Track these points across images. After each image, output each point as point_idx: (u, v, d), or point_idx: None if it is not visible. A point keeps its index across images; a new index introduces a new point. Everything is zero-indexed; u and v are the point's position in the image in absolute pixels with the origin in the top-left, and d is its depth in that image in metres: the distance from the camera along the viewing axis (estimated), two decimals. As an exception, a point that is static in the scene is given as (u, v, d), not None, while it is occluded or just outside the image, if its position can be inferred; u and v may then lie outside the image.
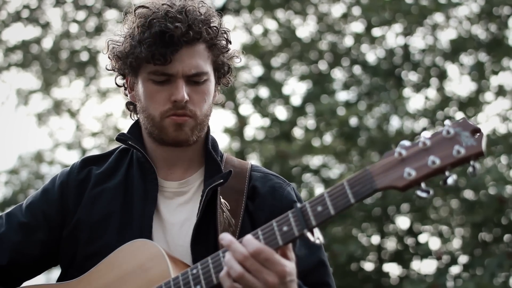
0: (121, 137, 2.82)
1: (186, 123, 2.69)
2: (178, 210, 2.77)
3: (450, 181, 2.10)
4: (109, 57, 2.81)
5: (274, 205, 2.75)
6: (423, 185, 2.15)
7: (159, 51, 2.63)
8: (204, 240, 2.68)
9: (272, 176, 2.86)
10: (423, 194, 2.14)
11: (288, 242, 2.33)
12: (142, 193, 2.76)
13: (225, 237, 2.35)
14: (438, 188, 8.64)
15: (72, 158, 12.69)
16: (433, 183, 2.18)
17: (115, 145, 2.95)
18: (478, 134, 2.08)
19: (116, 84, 2.89)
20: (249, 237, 2.33)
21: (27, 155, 13.03)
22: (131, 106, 2.88)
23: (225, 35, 2.78)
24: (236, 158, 2.93)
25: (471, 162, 2.08)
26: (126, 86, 2.85)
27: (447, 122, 2.12)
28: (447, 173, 2.11)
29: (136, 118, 2.89)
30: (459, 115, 10.70)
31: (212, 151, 2.81)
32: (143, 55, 2.64)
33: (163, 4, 2.70)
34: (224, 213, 2.70)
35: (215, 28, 2.72)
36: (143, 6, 2.71)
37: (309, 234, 2.30)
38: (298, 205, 2.32)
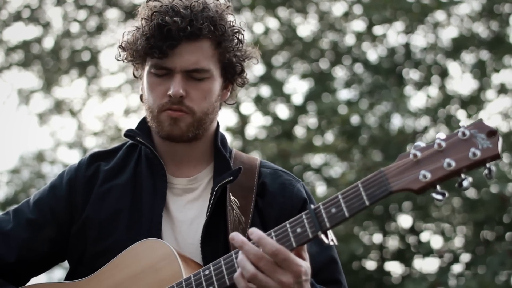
0: (129, 133, 2.80)
1: (182, 119, 2.67)
2: (188, 207, 2.75)
3: (465, 183, 2.10)
4: (118, 47, 2.80)
5: (284, 203, 2.75)
6: (438, 187, 2.14)
7: (156, 44, 2.62)
8: (214, 239, 2.67)
9: (282, 172, 2.85)
10: (439, 197, 2.13)
11: (301, 244, 2.32)
12: (151, 190, 2.75)
13: (236, 238, 2.33)
14: (441, 187, 8.64)
15: (74, 157, 12.68)
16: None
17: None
18: (494, 136, 2.07)
19: (134, 75, 2.86)
20: (264, 237, 2.31)
21: (29, 154, 13.02)
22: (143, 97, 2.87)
23: (236, 34, 2.75)
24: (245, 154, 2.91)
25: (487, 165, 2.07)
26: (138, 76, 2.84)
27: (462, 123, 2.11)
28: (462, 176, 2.10)
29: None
30: (461, 113, 10.70)
31: (221, 148, 2.80)
32: (141, 47, 2.65)
33: None
34: (234, 211, 2.69)
35: (222, 26, 2.69)
36: None
37: (323, 236, 2.29)
38: (312, 206, 2.31)
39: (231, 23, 2.74)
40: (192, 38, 2.64)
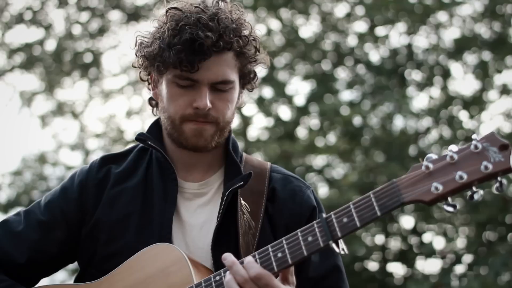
0: (140, 137, 2.81)
1: (207, 130, 2.69)
2: (198, 211, 2.77)
3: (476, 196, 2.11)
4: (136, 55, 2.78)
5: (293, 209, 2.76)
6: (449, 199, 2.16)
7: (187, 58, 2.60)
8: (225, 243, 2.68)
9: (292, 178, 2.86)
10: (449, 208, 2.15)
11: (312, 252, 2.36)
12: (162, 194, 2.76)
13: (228, 258, 2.40)
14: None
15: (76, 159, 12.66)
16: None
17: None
18: (506, 150, 2.07)
19: (141, 78, 2.85)
20: (250, 260, 2.39)
21: (31, 156, 12.98)
22: (153, 101, 2.86)
23: (254, 43, 2.75)
24: (255, 158, 2.92)
25: (499, 178, 2.08)
26: (150, 81, 2.83)
27: (474, 136, 2.12)
28: (474, 188, 2.12)
29: (157, 114, 2.87)
30: (463, 114, 10.71)
31: (232, 153, 2.81)
32: (170, 60, 2.62)
33: (195, 7, 2.67)
34: (245, 216, 2.70)
35: (245, 37, 2.70)
36: (175, 8, 2.68)
37: (334, 245, 2.32)
38: (324, 215, 2.34)
39: (251, 32, 2.75)
40: (220, 52, 2.65)
